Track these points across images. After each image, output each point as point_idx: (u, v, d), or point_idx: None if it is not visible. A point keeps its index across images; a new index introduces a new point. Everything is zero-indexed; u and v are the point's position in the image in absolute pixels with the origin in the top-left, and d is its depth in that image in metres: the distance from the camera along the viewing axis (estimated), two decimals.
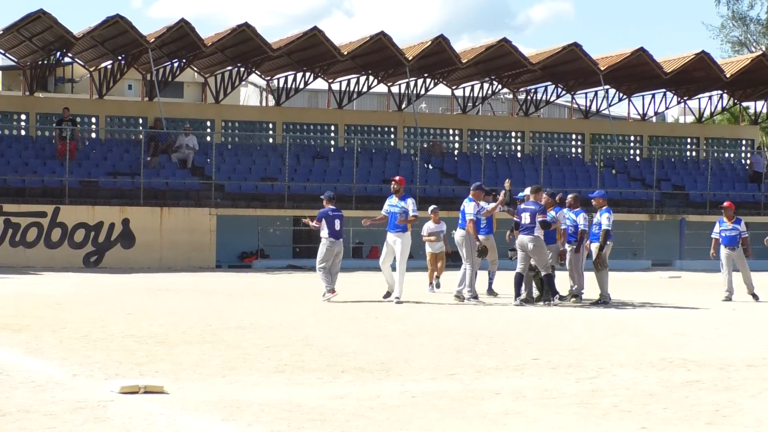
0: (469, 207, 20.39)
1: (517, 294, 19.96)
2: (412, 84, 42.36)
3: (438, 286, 23.14)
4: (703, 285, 25.57)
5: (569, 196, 21.49)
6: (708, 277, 29.39)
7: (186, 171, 35.93)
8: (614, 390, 10.20)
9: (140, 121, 39.64)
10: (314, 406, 9.11)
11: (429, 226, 23.80)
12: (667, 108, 48.51)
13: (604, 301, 20.43)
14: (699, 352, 13.24)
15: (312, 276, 29.90)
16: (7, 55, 40.00)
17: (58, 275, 25.89)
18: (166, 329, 14.88)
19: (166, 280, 25.55)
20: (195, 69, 42.61)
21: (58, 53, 38.78)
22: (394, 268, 20.39)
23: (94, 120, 39.73)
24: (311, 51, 39.05)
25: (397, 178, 21.43)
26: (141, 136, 36.18)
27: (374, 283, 23.56)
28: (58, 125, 35.51)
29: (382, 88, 44.68)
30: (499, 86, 45.38)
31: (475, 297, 20.36)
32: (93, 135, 39.53)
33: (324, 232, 20.70)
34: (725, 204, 23.24)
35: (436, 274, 23.56)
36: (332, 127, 42.42)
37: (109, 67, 40.28)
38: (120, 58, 39.09)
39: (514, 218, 20.80)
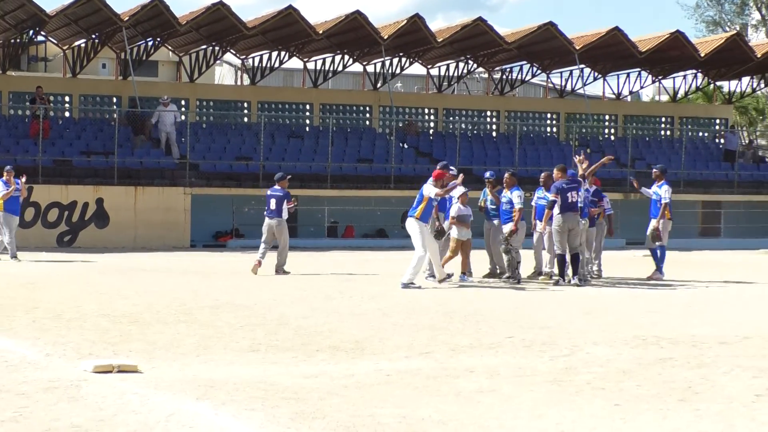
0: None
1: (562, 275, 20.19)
2: (387, 63, 42.26)
3: (471, 274, 21.41)
4: (677, 263, 25.66)
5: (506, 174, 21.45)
6: (681, 256, 29.51)
7: (160, 150, 35.78)
8: (588, 367, 10.24)
9: (114, 100, 39.46)
10: (288, 384, 9.11)
11: (459, 209, 21.19)
12: (641, 87, 48.59)
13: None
14: (672, 329, 13.30)
15: (288, 255, 29.89)
16: None
17: (31, 255, 25.79)
18: (140, 309, 14.85)
19: (140, 260, 25.48)
20: (169, 48, 42.41)
21: (31, 31, 38.53)
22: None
23: (67, 99, 39.52)
24: (286, 30, 38.91)
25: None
26: (115, 115, 36.02)
27: (349, 262, 23.58)
28: (32, 104, 35.31)
29: (357, 67, 44.56)
30: (475, 65, 45.35)
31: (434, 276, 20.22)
32: (66, 114, 39.32)
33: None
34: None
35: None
36: (307, 106, 42.32)
37: (83, 45, 40.05)
38: (94, 36, 38.87)
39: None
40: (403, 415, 7.92)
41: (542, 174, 21.69)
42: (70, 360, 10.26)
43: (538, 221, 21.14)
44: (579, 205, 20.17)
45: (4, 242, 25.07)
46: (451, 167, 20.80)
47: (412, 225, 19.46)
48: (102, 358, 10.09)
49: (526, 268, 21.57)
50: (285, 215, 22.36)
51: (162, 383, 9.04)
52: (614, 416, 8.06)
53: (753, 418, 8.06)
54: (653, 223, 22.06)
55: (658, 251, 22.03)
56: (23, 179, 25.79)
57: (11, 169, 25.55)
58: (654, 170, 22.64)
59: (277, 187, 22.74)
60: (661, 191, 22.02)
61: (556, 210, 19.96)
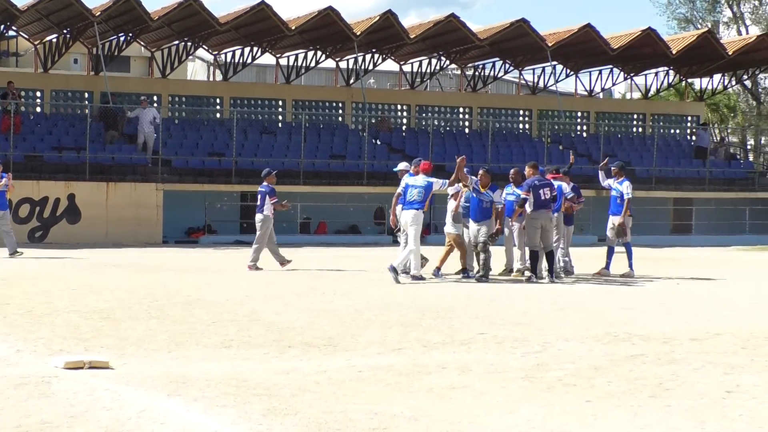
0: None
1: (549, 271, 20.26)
2: (360, 59, 42.26)
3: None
4: (648, 260, 25.75)
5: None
6: (653, 252, 29.62)
7: (132, 146, 35.66)
8: (559, 364, 10.27)
9: (86, 95, 39.30)
10: (260, 380, 9.10)
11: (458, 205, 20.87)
12: (613, 84, 48.76)
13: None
14: (643, 326, 13.34)
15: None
16: None
17: (2, 250, 25.65)
18: (111, 305, 14.80)
19: (112, 256, 25.39)
20: (141, 43, 42.29)
21: (2, 26, 38.32)
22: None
23: (39, 94, 39.35)
24: (259, 25, 38.84)
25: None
26: (87, 111, 35.90)
27: (322, 258, 23.56)
28: (3, 99, 35.13)
29: (330, 63, 44.52)
30: (447, 62, 45.37)
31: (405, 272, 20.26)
32: (38, 109, 39.14)
33: None
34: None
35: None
36: (280, 102, 42.28)
37: (55, 40, 39.88)
38: (65, 31, 38.70)
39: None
40: (375, 412, 7.92)
41: (512, 170, 21.78)
42: (40, 356, 10.22)
43: (508, 218, 21.20)
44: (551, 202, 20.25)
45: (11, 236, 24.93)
46: (420, 160, 21.10)
47: (418, 218, 19.57)
48: (73, 355, 10.05)
49: (498, 265, 21.61)
50: (267, 211, 22.21)
51: (133, 379, 9.02)
52: (585, 412, 8.08)
53: (723, 414, 8.10)
54: (617, 219, 22.04)
55: (625, 248, 22.03)
56: (10, 175, 25.48)
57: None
58: (613, 167, 22.58)
59: (264, 183, 22.66)
60: (623, 187, 21.94)
61: (528, 207, 19.98)
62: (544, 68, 45.51)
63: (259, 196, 22.58)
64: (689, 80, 48.88)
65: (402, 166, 21.78)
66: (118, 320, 13.07)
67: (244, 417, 7.67)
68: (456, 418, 7.79)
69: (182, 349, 10.82)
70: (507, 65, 45.41)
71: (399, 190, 20.20)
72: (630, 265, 21.88)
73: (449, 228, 20.64)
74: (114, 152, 34.89)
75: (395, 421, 7.64)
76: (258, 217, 22.36)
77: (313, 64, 42.88)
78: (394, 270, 19.15)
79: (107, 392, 8.43)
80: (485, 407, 8.19)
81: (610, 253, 22.14)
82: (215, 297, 16.21)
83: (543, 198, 20.06)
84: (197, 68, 60.41)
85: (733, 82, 49.43)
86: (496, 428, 7.51)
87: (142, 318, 13.37)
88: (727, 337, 12.35)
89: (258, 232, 22.28)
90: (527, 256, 20.70)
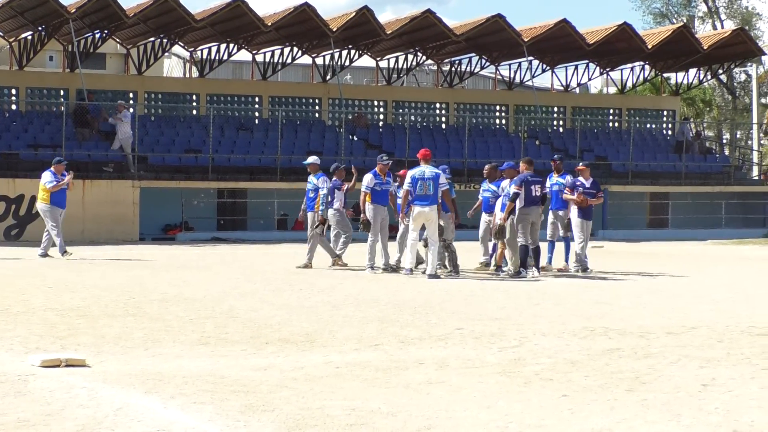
0: (366, 179, 20.66)
1: (534, 265, 20.12)
2: (336, 55, 42.24)
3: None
4: (626, 255, 25.84)
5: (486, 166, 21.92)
6: (630, 247, 29.71)
7: (108, 143, 35.56)
8: (536, 359, 10.29)
9: (62, 92, 39.16)
10: (238, 377, 9.09)
11: None
12: (590, 79, 48.87)
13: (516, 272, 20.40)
14: (620, 320, 13.38)
15: (238, 248, 29.84)
16: None
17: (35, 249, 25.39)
18: (88, 302, 14.76)
19: (88, 253, 25.30)
20: (117, 40, 42.16)
21: None
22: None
23: (14, 91, 39.19)
24: (235, 22, 38.80)
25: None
26: (62, 108, 35.79)
27: (299, 255, 23.49)
28: None
29: (306, 59, 44.51)
30: (424, 58, 45.41)
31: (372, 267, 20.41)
32: (13, 107, 38.98)
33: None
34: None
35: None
36: (256, 99, 42.23)
37: (30, 37, 39.73)
38: (40, 28, 38.56)
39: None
40: (352, 408, 7.92)
41: (486, 166, 21.84)
42: (17, 354, 10.18)
43: (485, 213, 21.24)
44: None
45: (51, 236, 24.07)
46: (385, 156, 21.23)
47: (435, 214, 19.29)
48: (50, 353, 10.01)
49: (473, 260, 21.65)
50: (338, 205, 21.79)
51: (110, 377, 8.99)
52: (562, 407, 8.10)
53: (700, 407, 8.13)
54: (564, 213, 21.71)
55: (564, 242, 21.81)
56: (72, 173, 24.83)
57: (63, 161, 24.67)
58: (555, 161, 22.21)
59: (334, 178, 21.95)
60: (566, 180, 21.68)
61: (519, 203, 19.86)
62: (520, 63, 45.58)
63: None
64: (665, 75, 49.04)
65: (311, 159, 21.90)
66: (94, 318, 13.04)
67: (221, 414, 7.66)
68: (433, 413, 7.80)
69: (159, 347, 10.80)
70: (483, 61, 45.47)
71: (407, 187, 19.41)
72: (566, 259, 21.67)
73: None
74: (90, 149, 34.78)
75: (373, 417, 7.64)
76: (330, 212, 21.69)
77: (289, 60, 42.84)
78: (434, 276, 19.13)
79: (84, 390, 8.41)
80: (462, 402, 8.20)
81: (568, 246, 21.94)
82: (192, 294, 16.18)
83: (534, 194, 20.04)
84: (173, 65, 60.29)
85: (709, 77, 49.60)
86: (473, 423, 7.52)
87: (119, 315, 13.33)
88: (703, 331, 12.40)
89: (333, 229, 21.93)
90: (491, 250, 20.96)
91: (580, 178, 21.48)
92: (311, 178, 21.67)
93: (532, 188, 20.02)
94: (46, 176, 24.17)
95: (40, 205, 24.28)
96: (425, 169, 19.31)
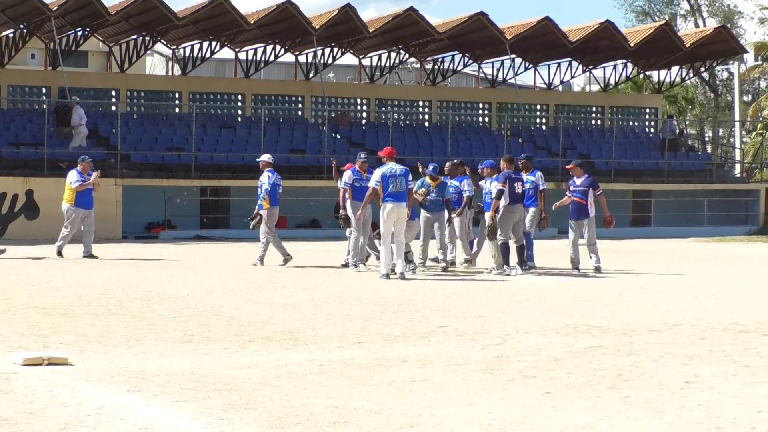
0: (346, 175, 20.58)
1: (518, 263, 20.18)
2: (319, 53, 42.22)
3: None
4: (608, 252, 25.84)
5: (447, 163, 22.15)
6: (611, 245, 29.77)
7: (91, 141, 35.47)
8: (519, 356, 10.30)
9: (44, 90, 39.05)
10: (221, 375, 9.08)
11: None
12: (572, 77, 48.96)
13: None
14: (603, 318, 13.41)
15: (221, 246, 29.79)
16: None
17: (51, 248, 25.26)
18: (70, 301, 14.72)
19: (71, 252, 25.21)
20: (99, 38, 42.06)
21: None
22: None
23: None
24: (217, 20, 38.75)
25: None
26: (44, 106, 35.68)
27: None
28: None
29: (289, 57, 44.48)
30: (407, 55, 45.42)
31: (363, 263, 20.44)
32: None
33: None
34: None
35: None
36: (239, 97, 42.17)
37: (11, 35, 39.60)
38: (22, 26, 38.44)
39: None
40: (335, 405, 7.92)
41: (447, 164, 22.04)
42: None
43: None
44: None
45: (63, 234, 23.71)
46: (363, 154, 21.19)
47: (406, 211, 19.16)
48: (32, 351, 9.99)
49: (457, 257, 21.67)
50: None
51: (93, 375, 8.97)
52: (545, 404, 8.11)
53: (682, 405, 8.15)
54: (535, 211, 21.60)
55: (525, 238, 21.60)
56: (98, 172, 24.39)
57: (89, 160, 24.10)
58: (522, 160, 22.03)
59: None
60: (536, 177, 21.53)
61: (504, 201, 19.87)
62: (503, 61, 45.65)
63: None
64: (647, 73, 49.15)
65: (265, 158, 21.88)
66: (77, 316, 13.01)
67: (204, 412, 7.65)
68: (416, 411, 7.80)
69: (142, 345, 10.78)
70: (466, 58, 45.50)
71: (374, 184, 19.08)
72: (530, 257, 21.56)
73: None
74: (71, 147, 34.66)
75: (356, 415, 7.64)
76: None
77: (272, 58, 42.79)
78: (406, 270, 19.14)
79: (66, 389, 8.39)
80: (445, 400, 8.21)
81: (531, 244, 21.76)
82: (175, 292, 16.16)
83: (517, 191, 20.08)
84: (156, 63, 60.18)
85: (691, 75, 49.71)
86: (456, 420, 7.53)
87: (102, 314, 13.30)
88: (685, 328, 12.43)
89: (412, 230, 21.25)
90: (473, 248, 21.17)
91: (574, 178, 21.44)
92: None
93: (515, 185, 20.08)
94: (72, 175, 23.69)
95: (64, 206, 23.89)
96: (395, 167, 19.14)
